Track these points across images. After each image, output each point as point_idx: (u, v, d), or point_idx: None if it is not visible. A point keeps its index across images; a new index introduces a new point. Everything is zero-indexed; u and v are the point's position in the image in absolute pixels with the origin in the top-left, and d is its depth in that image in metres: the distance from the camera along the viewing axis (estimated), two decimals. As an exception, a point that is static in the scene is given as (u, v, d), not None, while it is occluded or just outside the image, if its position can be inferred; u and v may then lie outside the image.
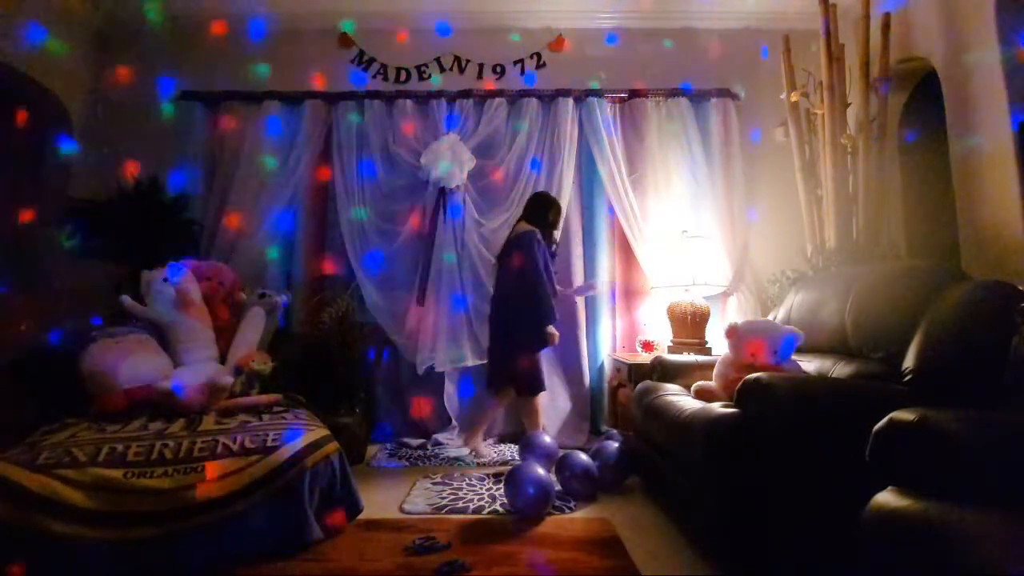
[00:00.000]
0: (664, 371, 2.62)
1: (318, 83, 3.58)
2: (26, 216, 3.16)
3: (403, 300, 3.42)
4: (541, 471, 2.22)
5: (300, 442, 1.97)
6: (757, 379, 1.68)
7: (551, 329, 2.82)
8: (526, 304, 2.82)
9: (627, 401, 2.91)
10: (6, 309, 2.96)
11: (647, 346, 3.31)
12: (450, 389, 3.40)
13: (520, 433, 2.97)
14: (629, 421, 2.74)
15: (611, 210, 3.58)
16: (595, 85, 3.62)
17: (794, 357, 2.15)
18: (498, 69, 3.71)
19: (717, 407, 1.82)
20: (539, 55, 3.72)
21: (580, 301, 3.50)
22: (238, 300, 2.83)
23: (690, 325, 3.14)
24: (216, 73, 3.53)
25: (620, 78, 3.67)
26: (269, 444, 1.93)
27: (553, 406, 3.43)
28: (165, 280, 2.51)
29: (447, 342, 3.27)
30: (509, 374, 2.90)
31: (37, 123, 3.36)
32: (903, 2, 2.94)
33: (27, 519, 1.61)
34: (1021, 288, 1.61)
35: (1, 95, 3.18)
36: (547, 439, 2.65)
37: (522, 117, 3.57)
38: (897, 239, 3.24)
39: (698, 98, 3.62)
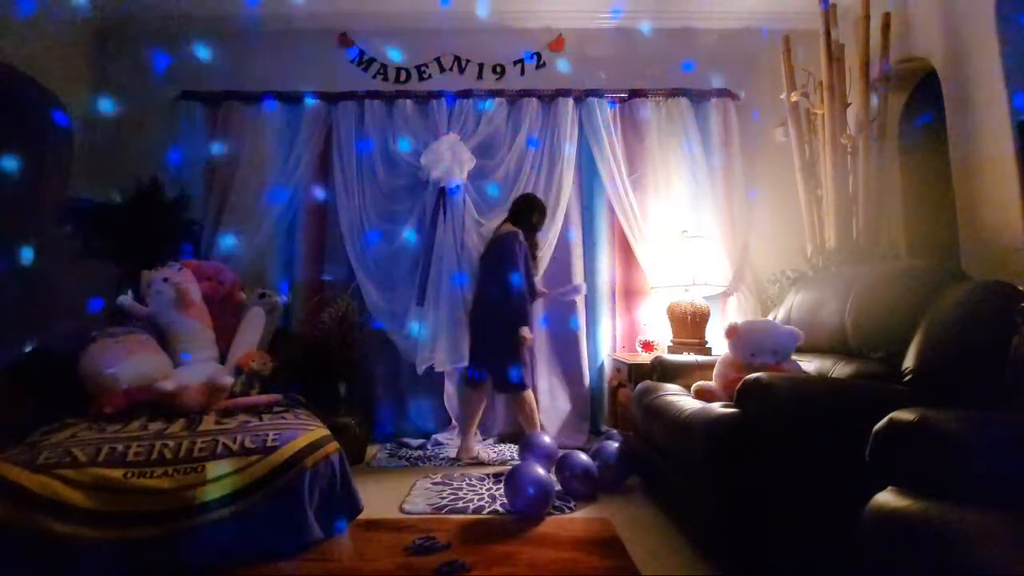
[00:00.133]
0: (664, 371, 2.62)
1: (318, 83, 3.58)
2: (26, 216, 3.16)
3: (403, 300, 3.42)
4: (541, 471, 2.22)
5: (300, 442, 1.97)
6: (757, 379, 1.68)
7: (524, 332, 2.82)
8: (502, 305, 2.83)
9: (627, 401, 2.91)
10: (6, 309, 2.96)
11: (647, 346, 3.31)
12: (450, 389, 3.40)
13: (520, 433, 2.97)
14: (629, 421, 2.74)
15: (611, 210, 3.58)
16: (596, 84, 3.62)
17: (794, 357, 2.15)
18: (498, 69, 3.71)
19: (717, 407, 1.82)
20: (539, 55, 3.72)
21: (580, 301, 3.50)
22: (238, 300, 2.83)
23: (690, 325, 3.14)
24: (216, 73, 3.53)
25: (620, 78, 3.67)
26: (269, 444, 1.93)
27: (553, 406, 3.43)
28: (165, 280, 2.51)
29: (447, 342, 3.27)
30: (489, 372, 2.93)
31: (37, 123, 3.37)
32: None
33: (27, 519, 1.61)
34: (1021, 288, 1.61)
35: (0, 95, 3.18)
36: (547, 439, 2.65)
37: (522, 117, 3.58)
38: (897, 239, 3.24)
39: (698, 98, 3.62)
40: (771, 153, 3.58)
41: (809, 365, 2.17)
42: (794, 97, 3.15)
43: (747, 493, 1.61)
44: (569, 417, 3.42)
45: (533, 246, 3.11)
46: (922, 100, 3.16)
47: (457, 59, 3.71)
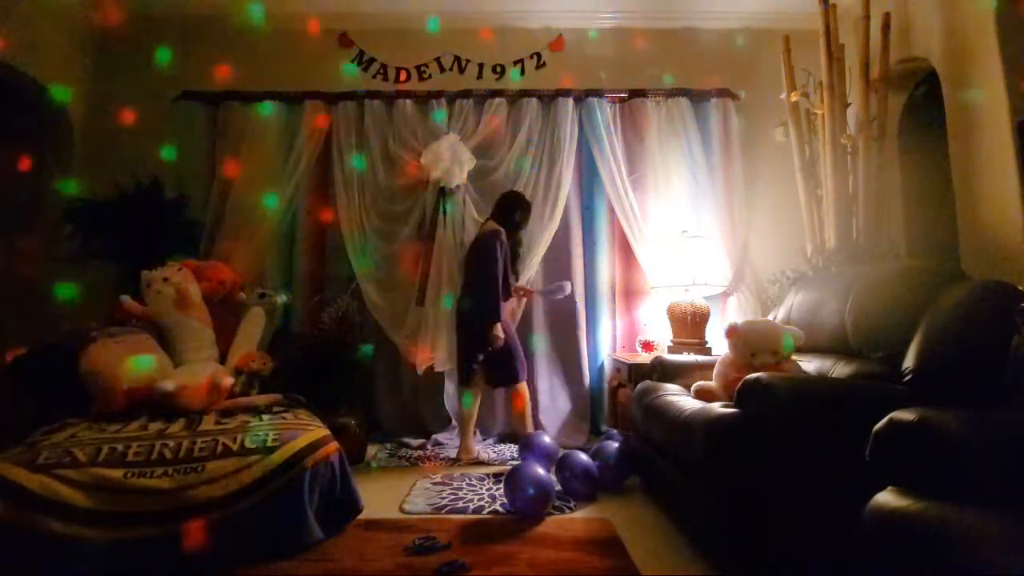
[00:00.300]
0: (664, 371, 2.62)
1: (318, 83, 3.58)
2: (26, 216, 3.16)
3: (403, 300, 3.42)
4: (541, 471, 2.22)
5: (300, 442, 1.97)
6: (757, 379, 1.68)
7: (496, 331, 2.81)
8: (479, 302, 2.84)
9: (627, 401, 2.91)
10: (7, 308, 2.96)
11: (647, 346, 3.31)
12: (450, 389, 3.40)
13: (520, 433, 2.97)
14: (629, 421, 2.74)
15: (611, 210, 3.58)
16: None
17: (794, 357, 2.15)
18: (498, 69, 3.71)
19: (717, 407, 1.82)
20: (539, 55, 3.72)
21: (580, 301, 3.50)
22: (238, 300, 2.83)
23: (690, 325, 3.14)
24: (216, 73, 3.53)
25: (620, 78, 3.67)
26: (269, 444, 1.93)
27: (553, 406, 3.43)
28: (165, 280, 2.51)
29: (447, 342, 3.27)
30: (475, 368, 2.92)
31: (36, 123, 3.37)
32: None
33: (27, 519, 1.61)
34: (1021, 288, 1.61)
35: (1, 95, 3.18)
36: (547, 439, 2.65)
37: (522, 117, 3.58)
38: (897, 239, 3.24)
39: (698, 98, 3.62)
40: (771, 153, 3.58)
41: (809, 365, 2.17)
42: (794, 97, 3.15)
43: (747, 493, 1.61)
44: (569, 417, 3.42)
45: (516, 244, 3.10)
46: (922, 100, 3.16)
47: (457, 59, 3.71)
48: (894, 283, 1.95)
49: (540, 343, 3.48)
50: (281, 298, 2.99)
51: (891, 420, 1.14)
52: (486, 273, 2.82)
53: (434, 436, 3.32)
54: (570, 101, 3.58)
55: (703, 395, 2.22)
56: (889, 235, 3.15)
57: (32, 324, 2.83)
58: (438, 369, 3.31)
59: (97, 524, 1.67)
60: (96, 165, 3.37)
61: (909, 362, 1.69)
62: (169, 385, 2.16)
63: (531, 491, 2.13)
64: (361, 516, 2.09)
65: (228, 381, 2.34)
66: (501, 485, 2.31)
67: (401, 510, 2.25)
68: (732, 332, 2.19)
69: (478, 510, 2.24)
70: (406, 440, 3.29)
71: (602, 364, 3.55)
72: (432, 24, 3.55)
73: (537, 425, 3.31)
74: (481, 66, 3.71)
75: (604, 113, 3.57)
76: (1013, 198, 2.32)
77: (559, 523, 2.12)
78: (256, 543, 1.80)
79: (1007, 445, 1.04)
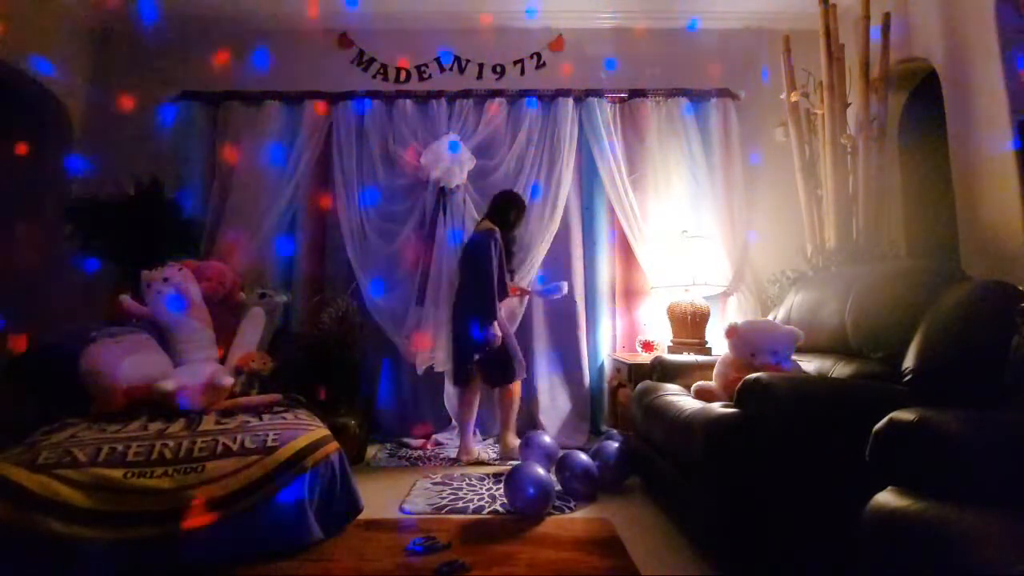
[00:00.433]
0: (664, 371, 2.62)
1: (318, 83, 3.58)
2: (26, 216, 3.16)
3: (403, 300, 3.42)
4: (541, 471, 2.22)
5: (300, 442, 1.97)
6: (757, 379, 1.68)
7: (494, 329, 2.81)
8: (474, 301, 2.84)
9: (627, 401, 2.91)
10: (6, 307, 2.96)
11: (647, 346, 3.31)
12: (450, 389, 3.39)
13: (521, 433, 2.96)
14: (629, 421, 2.74)
15: (611, 210, 3.58)
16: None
17: (794, 357, 2.15)
18: (498, 69, 3.71)
19: (717, 407, 1.82)
20: (539, 55, 3.72)
21: (580, 301, 3.50)
22: (238, 300, 2.83)
23: (690, 325, 3.14)
24: (216, 73, 3.53)
25: (620, 78, 3.67)
26: (269, 444, 1.93)
27: (553, 406, 3.43)
28: (165, 280, 2.51)
29: (447, 342, 3.26)
30: (471, 367, 2.92)
31: (36, 123, 3.37)
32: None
33: (27, 519, 1.61)
34: (1021, 288, 1.61)
35: (1, 95, 3.19)
36: (547, 439, 2.65)
37: (522, 117, 3.57)
38: (897, 239, 3.24)
39: (698, 98, 3.62)
40: (771, 153, 3.58)
41: (809, 365, 2.17)
42: (794, 97, 3.15)
43: (747, 493, 1.61)
44: (569, 417, 3.42)
45: (509, 243, 3.09)
46: (922, 100, 3.16)
47: (457, 59, 3.71)
48: (894, 283, 1.95)
49: (540, 343, 3.48)
50: (281, 298, 2.99)
51: (891, 420, 1.14)
52: (481, 272, 2.83)
53: (434, 436, 3.32)
54: (570, 101, 3.58)
55: (703, 395, 2.23)
56: (889, 235, 3.16)
57: (32, 323, 2.83)
58: (438, 369, 3.31)
59: (97, 524, 1.66)
60: (96, 165, 3.36)
61: (909, 362, 1.69)
62: (169, 385, 2.16)
63: (531, 491, 2.13)
64: (361, 516, 2.09)
65: (228, 381, 2.34)
66: (501, 485, 2.31)
67: (401, 510, 2.25)
68: (732, 332, 2.20)
69: (478, 510, 2.24)
70: (406, 440, 3.28)
71: (602, 364, 3.55)
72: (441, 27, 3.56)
73: (537, 425, 3.32)
74: (481, 66, 3.71)
75: (604, 113, 3.57)
76: (1013, 198, 2.32)
77: (559, 523, 2.12)
78: (256, 543, 1.80)
79: (1007, 445, 1.04)
